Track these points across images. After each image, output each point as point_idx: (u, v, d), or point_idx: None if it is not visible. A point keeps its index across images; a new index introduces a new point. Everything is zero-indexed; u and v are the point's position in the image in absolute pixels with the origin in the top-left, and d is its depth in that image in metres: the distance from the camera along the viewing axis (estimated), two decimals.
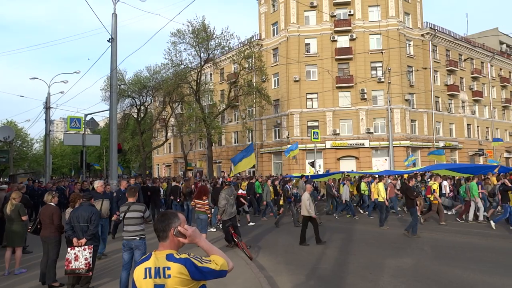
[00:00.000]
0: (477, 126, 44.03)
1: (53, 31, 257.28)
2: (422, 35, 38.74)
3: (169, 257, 2.34)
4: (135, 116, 42.63)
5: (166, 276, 2.29)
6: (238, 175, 24.25)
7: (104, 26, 16.43)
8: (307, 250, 9.95)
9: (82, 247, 6.02)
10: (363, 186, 17.28)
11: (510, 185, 12.34)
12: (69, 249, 6.11)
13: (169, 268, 2.30)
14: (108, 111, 19.21)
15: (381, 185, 13.95)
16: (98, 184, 9.28)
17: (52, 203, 6.95)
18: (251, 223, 14.40)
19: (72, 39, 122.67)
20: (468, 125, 42.76)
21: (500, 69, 49.84)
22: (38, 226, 6.84)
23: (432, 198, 13.87)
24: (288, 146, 35.76)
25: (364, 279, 7.23)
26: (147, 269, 2.34)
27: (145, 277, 2.33)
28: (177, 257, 2.35)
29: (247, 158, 20.32)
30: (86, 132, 23.14)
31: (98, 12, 15.74)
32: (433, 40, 39.38)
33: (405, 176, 19.71)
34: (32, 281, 7.10)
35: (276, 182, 17.42)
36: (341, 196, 16.19)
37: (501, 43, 58.65)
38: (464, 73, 43.58)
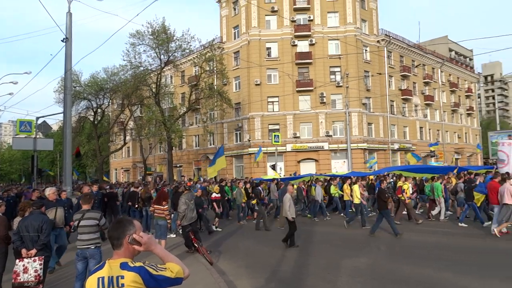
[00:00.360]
0: (429, 129, 46.27)
1: (2, 29, 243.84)
2: (378, 41, 40.23)
3: (123, 266, 2.28)
4: (92, 119, 41.16)
5: (120, 285, 2.23)
6: (204, 179, 24.06)
7: (58, 25, 15.78)
8: (267, 253, 10.01)
9: (32, 258, 5.71)
10: (332, 189, 17.46)
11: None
12: (17, 260, 5.77)
13: (122, 277, 2.24)
14: (62, 114, 18.45)
15: (356, 187, 14.10)
16: (50, 192, 8.76)
17: None
18: (218, 229, 14.13)
19: (22, 37, 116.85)
20: (420, 127, 44.85)
21: (450, 74, 52.67)
22: None
23: (403, 198, 14.38)
24: (249, 149, 36.00)
25: (324, 280, 7.36)
26: (100, 279, 2.26)
27: (98, 287, 2.25)
28: (132, 265, 2.30)
29: (218, 160, 20.39)
30: (37, 136, 22.05)
31: (52, 11, 15.05)
32: (388, 47, 41.00)
33: (371, 177, 20.27)
34: None
35: (248, 185, 17.23)
36: (315, 197, 16.26)
37: (450, 50, 62.21)
38: (417, 78, 45.69)
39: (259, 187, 15.53)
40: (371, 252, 9.65)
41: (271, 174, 27.82)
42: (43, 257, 5.82)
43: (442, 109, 49.41)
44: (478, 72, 69.95)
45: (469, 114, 56.44)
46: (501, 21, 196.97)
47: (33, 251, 5.79)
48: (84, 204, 6.21)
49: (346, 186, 15.90)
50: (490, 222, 12.15)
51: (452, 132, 51.48)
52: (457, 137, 52.37)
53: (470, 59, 69.60)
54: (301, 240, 11.42)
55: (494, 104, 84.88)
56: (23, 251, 5.79)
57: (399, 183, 15.36)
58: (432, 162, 37.67)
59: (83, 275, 5.83)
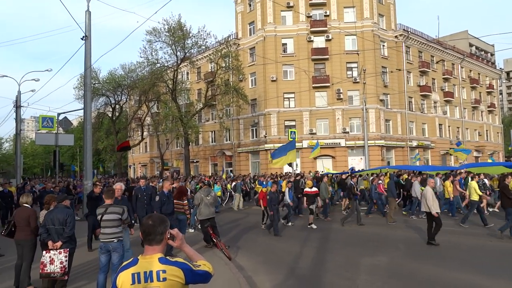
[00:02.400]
0: (448, 126, 45.43)
1: (24, 28, 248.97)
2: (396, 36, 39.64)
3: (163, 260, 2.31)
4: (110, 115, 41.83)
5: (161, 279, 2.24)
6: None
7: (78, 23, 16.09)
8: (285, 249, 10.04)
9: (58, 251, 5.88)
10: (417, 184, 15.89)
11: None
12: (44, 252, 5.96)
13: (164, 271, 2.26)
14: (82, 110, 18.81)
15: (474, 183, 13.16)
16: (116, 187, 7.81)
17: (28, 205, 6.77)
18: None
19: (44, 36, 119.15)
20: (439, 125, 44.06)
21: (470, 70, 51.56)
22: (13, 229, 6.65)
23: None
24: (265, 145, 35.99)
25: (342, 278, 7.36)
26: (135, 275, 2.27)
27: (133, 283, 2.26)
28: (172, 260, 2.33)
29: (290, 153, 20.44)
30: (59, 132, 22.55)
31: (72, 9, 15.36)
32: (406, 42, 40.36)
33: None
34: (5, 284, 6.90)
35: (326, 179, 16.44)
36: (414, 193, 15.16)
37: (471, 45, 60.77)
38: (436, 74, 44.88)
39: (351, 181, 15.06)
40: (390, 251, 9.58)
41: (322, 169, 27.58)
42: (68, 249, 5.99)
43: (462, 106, 48.44)
44: (500, 68, 68.32)
45: (490, 111, 55.15)
46: None
47: (59, 243, 5.96)
48: (107, 199, 6.36)
49: (448, 184, 14.80)
50: None
51: (472, 129, 50.43)
52: (477, 134, 51.28)
53: (492, 55, 67.89)
54: (319, 238, 11.43)
55: None
56: (49, 243, 5.97)
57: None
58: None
59: (106, 268, 5.98)
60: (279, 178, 21.80)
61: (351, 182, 14.87)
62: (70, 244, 6.19)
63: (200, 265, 2.38)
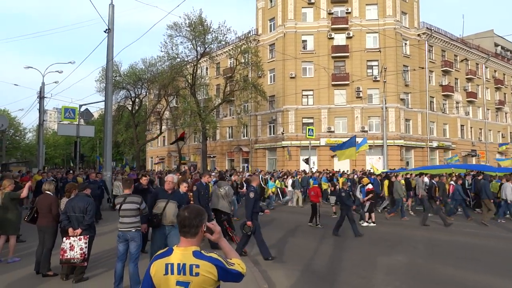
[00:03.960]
0: (471, 127, 44.38)
1: (49, 21, 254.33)
2: (419, 35, 38.88)
3: (197, 254, 2.26)
4: (130, 108, 42.39)
5: (194, 274, 2.20)
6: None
7: (101, 16, 16.31)
8: (301, 246, 10.00)
9: (78, 237, 6.00)
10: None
11: None
12: (64, 238, 6.09)
13: (197, 266, 2.22)
14: (103, 102, 19.11)
15: None
16: (168, 179, 6.82)
17: (50, 193, 6.92)
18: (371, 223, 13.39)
19: (68, 29, 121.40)
20: (461, 125, 43.09)
21: (495, 71, 50.22)
22: (35, 215, 6.82)
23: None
24: (283, 142, 35.88)
25: (358, 276, 7.29)
26: (169, 265, 2.24)
27: (166, 273, 2.23)
28: (206, 254, 2.28)
29: (349, 150, 20.58)
30: (80, 123, 22.97)
31: (96, 3, 15.52)
32: (429, 40, 39.55)
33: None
34: (26, 270, 7.07)
35: (400, 178, 16.24)
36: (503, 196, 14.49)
37: (496, 45, 59.04)
38: (459, 74, 43.86)
39: (433, 181, 14.74)
40: (407, 251, 9.44)
41: (369, 167, 27.39)
42: (87, 236, 6.10)
43: (486, 106, 47.23)
44: None
45: None
46: None
47: (79, 231, 6.08)
48: (125, 189, 6.43)
49: None
50: None
51: (495, 131, 49.15)
52: (501, 136, 49.93)
53: None
54: (336, 235, 11.34)
55: None
56: (70, 230, 6.09)
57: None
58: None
59: (124, 256, 6.05)
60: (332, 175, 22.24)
61: (433, 182, 14.54)
62: (89, 232, 6.31)
63: (234, 264, 2.32)
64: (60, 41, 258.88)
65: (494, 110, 49.23)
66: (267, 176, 20.85)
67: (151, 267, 2.30)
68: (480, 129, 46.35)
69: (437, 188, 14.47)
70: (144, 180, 9.48)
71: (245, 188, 14.26)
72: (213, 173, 20.58)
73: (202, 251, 2.29)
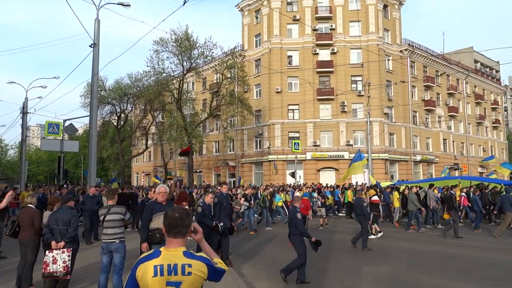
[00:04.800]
0: (453, 141, 45.29)
1: (33, 36, 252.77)
2: (401, 51, 39.87)
3: (188, 254, 2.29)
4: (115, 123, 42.10)
5: (186, 273, 2.22)
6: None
7: (87, 31, 16.35)
8: (288, 257, 9.98)
9: (61, 250, 5.92)
10: None
11: None
12: (47, 252, 6.00)
13: (190, 265, 2.24)
14: (88, 118, 18.99)
15: None
16: (160, 190, 6.44)
17: (32, 206, 6.83)
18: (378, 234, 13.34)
19: (52, 44, 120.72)
20: (444, 139, 43.96)
21: (475, 86, 51.62)
22: (17, 229, 6.70)
23: None
24: (269, 156, 35.99)
25: (343, 286, 7.34)
26: (158, 267, 2.23)
27: (155, 275, 2.21)
28: (197, 254, 2.32)
29: (356, 164, 20.67)
30: (64, 138, 22.72)
31: (82, 18, 15.67)
32: (411, 56, 40.57)
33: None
34: (6, 286, 6.92)
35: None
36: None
37: (476, 61, 60.89)
38: (441, 89, 44.95)
39: (452, 191, 14.80)
40: (391, 261, 9.54)
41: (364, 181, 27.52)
42: (71, 249, 6.03)
43: (467, 121, 48.37)
44: (505, 85, 68.26)
45: (495, 127, 55.01)
46: None
47: (62, 243, 6.00)
48: (109, 200, 6.40)
49: None
50: None
51: (477, 145, 50.24)
52: (482, 150, 51.03)
53: (497, 71, 67.94)
54: (322, 247, 11.37)
55: None
56: (53, 243, 6.01)
57: None
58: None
59: (107, 268, 6.00)
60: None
61: (451, 192, 14.56)
62: (73, 245, 6.23)
63: (217, 263, 2.38)
64: (44, 56, 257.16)
65: (475, 125, 50.41)
66: (275, 189, 20.55)
67: (137, 270, 2.28)
68: (462, 143, 47.33)
69: (455, 199, 14.44)
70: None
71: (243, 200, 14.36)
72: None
73: (191, 251, 2.34)
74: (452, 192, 14.82)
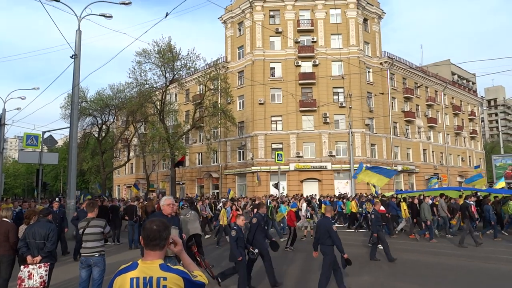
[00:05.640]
0: (432, 151, 46.20)
1: (12, 46, 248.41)
2: (381, 63, 40.73)
3: (164, 267, 2.26)
4: (96, 135, 41.45)
5: (161, 287, 2.19)
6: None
7: (68, 42, 16.20)
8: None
9: (38, 265, 5.76)
10: None
11: None
12: (22, 267, 5.83)
13: (165, 279, 2.21)
14: (68, 129, 18.68)
15: None
16: (165, 203, 6.17)
17: (7, 220, 6.63)
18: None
19: (32, 54, 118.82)
20: (424, 150, 44.82)
21: (453, 98, 52.96)
22: None
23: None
24: (252, 167, 35.95)
25: None
26: (134, 279, 2.21)
27: (131, 287, 2.21)
28: (173, 267, 2.29)
29: (382, 177, 20.44)
30: (43, 150, 22.24)
31: (62, 29, 15.51)
32: (391, 69, 41.47)
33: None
34: None
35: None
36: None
37: (453, 73, 62.64)
38: (420, 101, 45.96)
39: (469, 201, 14.72)
40: (373, 271, 9.59)
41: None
42: (48, 264, 5.87)
43: (446, 131, 49.47)
44: (481, 96, 70.29)
45: (472, 138, 56.40)
46: (503, 47, 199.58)
47: (38, 258, 5.85)
48: (89, 212, 6.29)
49: None
50: None
51: (455, 155, 51.37)
52: (460, 160, 52.21)
53: (473, 83, 70.02)
54: (303, 258, 11.37)
55: (497, 128, 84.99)
56: (28, 257, 5.85)
57: None
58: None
59: (86, 283, 5.87)
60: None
61: (467, 202, 14.57)
62: (50, 259, 6.08)
63: (197, 276, 2.34)
64: (24, 67, 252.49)
65: (453, 135, 51.59)
66: (278, 200, 20.16)
67: (114, 282, 2.27)
68: (441, 153, 48.32)
69: (471, 207, 14.43)
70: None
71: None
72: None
73: (169, 264, 2.31)
74: (468, 201, 14.65)
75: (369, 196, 21.81)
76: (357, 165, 34.24)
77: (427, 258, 11.14)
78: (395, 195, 20.50)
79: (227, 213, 14.31)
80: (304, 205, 18.35)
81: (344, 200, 22.26)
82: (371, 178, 20.84)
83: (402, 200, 17.71)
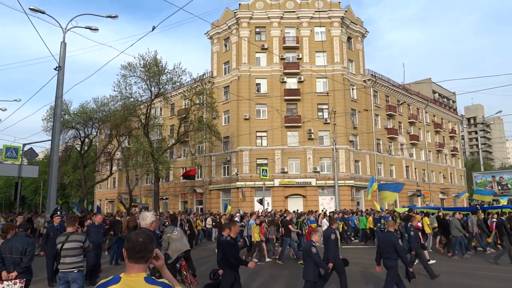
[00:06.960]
0: (415, 168, 46.87)
1: None
2: (364, 81, 41.46)
3: (149, 280, 2.21)
4: (78, 148, 40.71)
5: None
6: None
7: (52, 54, 16.05)
8: (256, 286, 9.81)
9: (13, 281, 5.55)
10: None
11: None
12: None
13: None
14: (49, 142, 18.34)
15: None
16: (150, 220, 5.67)
17: None
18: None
19: (14, 66, 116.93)
20: (406, 166, 45.44)
21: (434, 115, 54.10)
22: None
23: None
24: (237, 183, 35.77)
25: None
26: None
27: None
28: (159, 280, 2.25)
29: (392, 193, 20.32)
30: (22, 163, 21.73)
31: (46, 41, 15.32)
32: (374, 86, 42.24)
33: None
34: None
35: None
36: None
37: (434, 92, 64.24)
38: (402, 118, 46.79)
39: (502, 218, 14.39)
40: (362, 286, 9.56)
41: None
42: (24, 279, 5.66)
43: (427, 149, 50.31)
44: (461, 114, 72.07)
45: (453, 155, 57.49)
46: (484, 67, 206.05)
47: (14, 274, 5.63)
48: (68, 226, 6.12)
49: None
50: None
51: (437, 172, 52.18)
52: (442, 177, 53.04)
53: (453, 101, 71.86)
54: (290, 275, 11.26)
55: (477, 145, 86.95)
56: (3, 273, 5.63)
57: None
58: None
59: None
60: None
61: (502, 219, 14.29)
62: (26, 275, 5.86)
63: None
64: (5, 78, 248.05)
65: (435, 152, 52.48)
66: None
67: None
68: (424, 170, 49.04)
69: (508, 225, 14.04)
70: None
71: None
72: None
73: (153, 277, 2.27)
74: (503, 218, 14.36)
75: (384, 212, 21.57)
76: (342, 182, 34.77)
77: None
78: (414, 211, 19.89)
79: (249, 225, 14.27)
80: (325, 221, 17.91)
81: (357, 216, 22.47)
82: (386, 196, 20.93)
83: (424, 215, 17.28)
